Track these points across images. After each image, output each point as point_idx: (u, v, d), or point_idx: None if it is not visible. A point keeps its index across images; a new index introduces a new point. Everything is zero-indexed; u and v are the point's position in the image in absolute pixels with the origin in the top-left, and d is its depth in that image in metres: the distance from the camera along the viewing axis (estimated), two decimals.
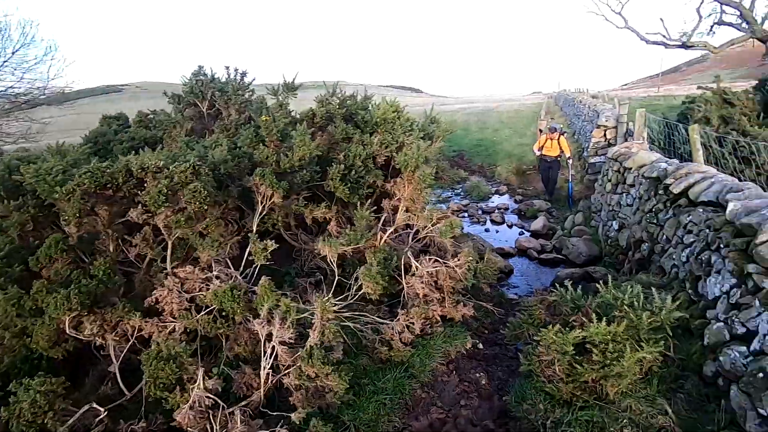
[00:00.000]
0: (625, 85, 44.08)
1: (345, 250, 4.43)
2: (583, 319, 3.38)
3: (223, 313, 3.49)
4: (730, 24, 17.14)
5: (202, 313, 3.47)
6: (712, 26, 18.04)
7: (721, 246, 3.51)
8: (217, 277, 3.61)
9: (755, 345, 2.69)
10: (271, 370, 3.17)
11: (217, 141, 5.19)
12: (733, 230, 3.48)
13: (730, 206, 3.60)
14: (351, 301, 4.09)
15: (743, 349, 2.78)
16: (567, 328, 3.38)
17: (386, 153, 5.39)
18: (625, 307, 3.19)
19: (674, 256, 4.44)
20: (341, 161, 5.00)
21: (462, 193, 11.82)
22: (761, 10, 20.00)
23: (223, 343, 3.70)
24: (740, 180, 5.09)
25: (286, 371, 3.19)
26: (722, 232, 3.60)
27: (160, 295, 3.37)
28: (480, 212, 10.11)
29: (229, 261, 4.00)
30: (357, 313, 4.12)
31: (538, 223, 8.62)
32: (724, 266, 3.37)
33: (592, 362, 3.04)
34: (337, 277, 4.12)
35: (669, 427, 2.86)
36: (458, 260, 4.50)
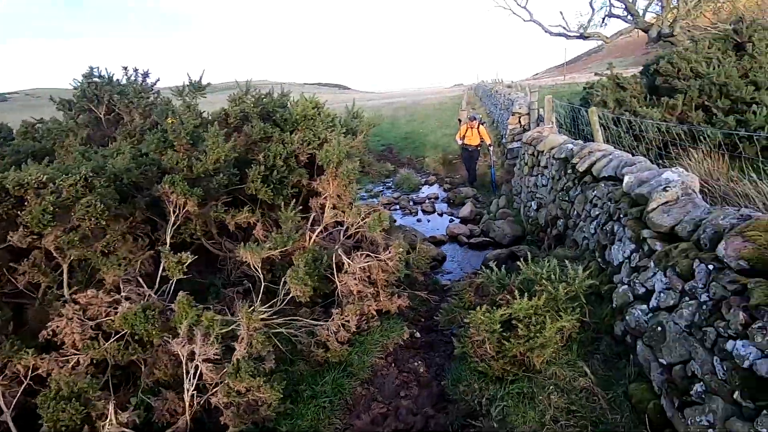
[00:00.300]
0: (536, 74, 47.40)
1: (272, 255, 4.25)
2: (508, 297, 3.53)
3: (137, 337, 3.17)
4: (618, 16, 19.07)
5: (111, 340, 3.12)
6: (603, 18, 19.95)
7: (621, 216, 3.85)
8: (127, 298, 3.27)
9: (653, 302, 2.97)
10: (196, 392, 2.94)
11: (119, 148, 4.71)
12: (630, 201, 3.82)
13: (626, 179, 3.95)
14: (282, 307, 3.93)
15: (644, 307, 3.06)
16: (494, 307, 3.52)
17: (309, 150, 5.25)
18: (544, 281, 3.37)
19: (584, 229, 4.81)
20: (261, 162, 4.78)
21: (393, 186, 11.95)
22: (642, 3, 22.40)
23: (142, 370, 3.37)
24: (634, 155, 5.64)
25: (214, 390, 2.98)
26: (621, 203, 3.94)
27: (58, 326, 2.97)
28: (411, 203, 10.28)
29: (141, 279, 3.65)
30: (289, 318, 3.97)
31: (465, 210, 8.95)
32: (624, 234, 3.69)
33: (518, 337, 3.18)
34: (264, 284, 3.93)
35: (589, 387, 3.07)
36: (389, 253, 4.51)
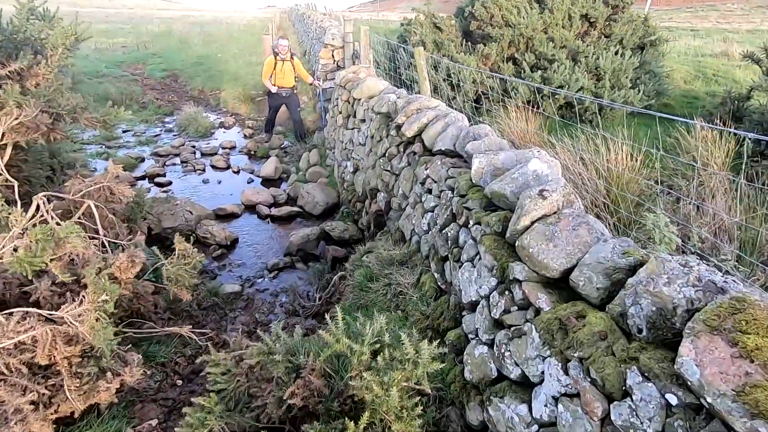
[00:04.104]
0: (351, 7, 45.11)
1: None
2: (304, 393, 1.82)
3: None
4: None
5: None
6: None
7: (471, 222, 2.47)
8: None
9: (539, 408, 1.67)
10: None
11: None
12: (483, 199, 2.46)
13: (476, 164, 2.55)
14: None
15: (523, 410, 1.76)
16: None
17: None
18: (366, 376, 1.75)
19: (414, 220, 3.41)
20: None
21: (174, 129, 8.71)
22: None
23: None
24: (452, 107, 4.46)
25: None
26: (469, 200, 2.56)
27: None
28: (198, 155, 7.51)
29: None
30: None
31: (269, 167, 6.80)
32: (478, 254, 2.32)
33: None
34: None
35: None
36: (83, 305, 2.20)
